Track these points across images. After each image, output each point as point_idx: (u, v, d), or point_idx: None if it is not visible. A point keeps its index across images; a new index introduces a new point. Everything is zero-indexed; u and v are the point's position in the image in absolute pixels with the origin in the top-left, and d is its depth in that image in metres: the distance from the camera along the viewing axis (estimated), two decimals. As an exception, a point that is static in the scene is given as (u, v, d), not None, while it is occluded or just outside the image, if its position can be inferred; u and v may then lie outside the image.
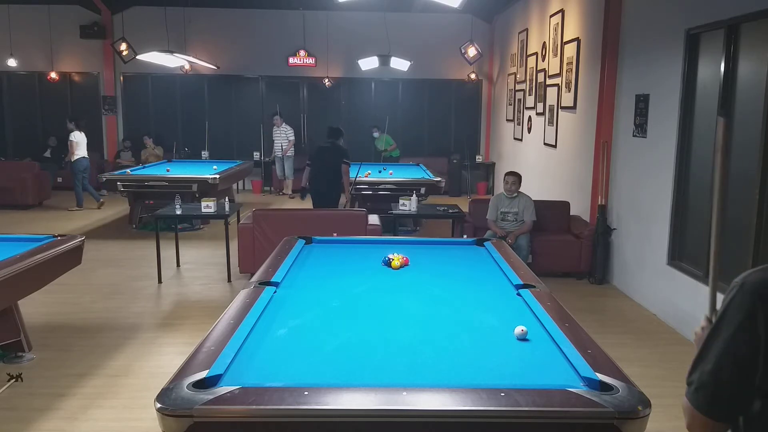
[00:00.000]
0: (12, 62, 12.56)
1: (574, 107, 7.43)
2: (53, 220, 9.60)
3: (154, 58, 9.85)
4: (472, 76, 12.90)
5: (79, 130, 10.06)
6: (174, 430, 1.86)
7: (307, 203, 7.88)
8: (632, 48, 6.03)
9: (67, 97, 13.21)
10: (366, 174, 8.73)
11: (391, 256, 3.65)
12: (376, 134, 12.23)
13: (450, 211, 6.98)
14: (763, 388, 1.21)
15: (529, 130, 9.68)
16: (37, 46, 12.83)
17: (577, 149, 7.37)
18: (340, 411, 1.88)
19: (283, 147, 11.96)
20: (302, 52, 12.93)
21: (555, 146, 8.25)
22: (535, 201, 6.60)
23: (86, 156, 10.22)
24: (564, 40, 7.82)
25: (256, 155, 12.69)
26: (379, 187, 8.36)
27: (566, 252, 6.49)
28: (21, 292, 4.05)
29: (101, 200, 10.43)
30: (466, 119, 13.52)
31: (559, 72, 8.02)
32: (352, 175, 7.48)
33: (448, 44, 12.11)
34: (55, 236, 4.54)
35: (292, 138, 12.06)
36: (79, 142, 10.08)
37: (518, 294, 3.09)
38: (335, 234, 5.12)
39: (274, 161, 12.25)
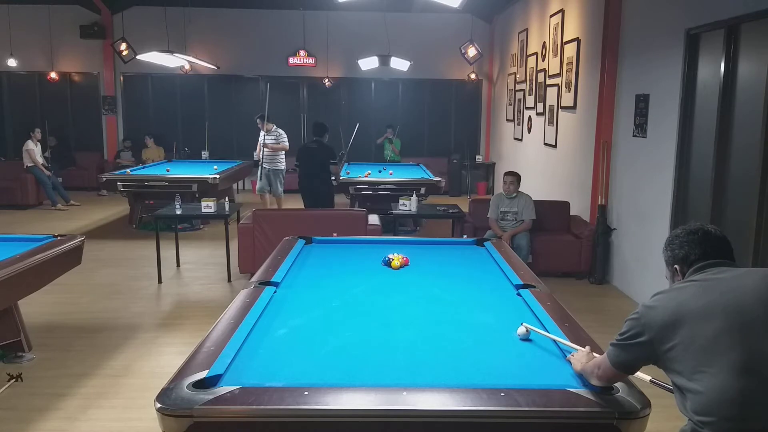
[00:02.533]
0: (12, 62, 12.55)
1: (574, 107, 7.42)
2: (53, 220, 9.60)
3: (154, 58, 9.85)
4: (472, 76, 12.90)
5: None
6: (174, 430, 1.86)
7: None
8: (632, 48, 6.02)
9: (67, 97, 13.20)
10: (366, 174, 8.74)
11: (391, 256, 3.64)
12: (390, 136, 11.93)
13: (450, 211, 6.98)
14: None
15: (529, 130, 9.67)
16: (37, 46, 12.82)
17: (577, 149, 7.37)
18: (340, 411, 1.88)
19: (269, 156, 9.08)
20: (302, 52, 12.93)
21: (555, 146, 8.25)
22: (535, 201, 6.60)
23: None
24: (564, 40, 7.82)
25: (256, 155, 12.67)
26: (379, 187, 8.36)
27: (566, 252, 6.49)
28: (21, 292, 4.05)
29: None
30: (466, 119, 13.52)
31: (559, 72, 8.02)
32: (342, 174, 7.60)
33: (448, 44, 12.10)
34: (55, 236, 4.54)
35: (286, 144, 9.17)
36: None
37: (518, 294, 3.09)
38: (335, 234, 5.12)
39: (259, 172, 9.16)
